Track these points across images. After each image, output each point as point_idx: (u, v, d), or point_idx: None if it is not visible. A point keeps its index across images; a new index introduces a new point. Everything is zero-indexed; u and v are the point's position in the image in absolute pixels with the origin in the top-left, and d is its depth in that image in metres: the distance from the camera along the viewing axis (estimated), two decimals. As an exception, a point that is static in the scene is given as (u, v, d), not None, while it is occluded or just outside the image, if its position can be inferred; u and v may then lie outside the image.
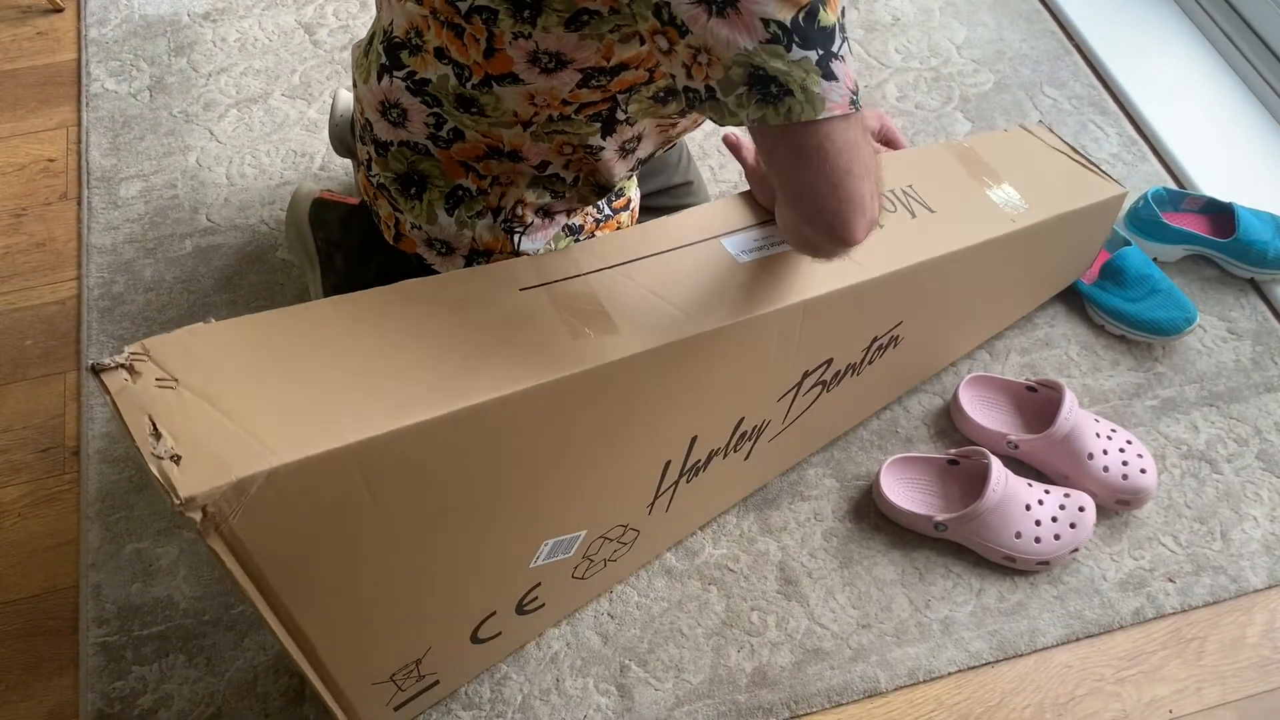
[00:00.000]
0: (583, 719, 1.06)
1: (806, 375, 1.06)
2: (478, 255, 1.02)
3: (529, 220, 1.02)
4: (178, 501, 0.65)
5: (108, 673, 1.08)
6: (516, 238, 1.02)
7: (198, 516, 0.66)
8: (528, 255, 0.91)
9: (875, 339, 1.11)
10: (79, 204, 1.46)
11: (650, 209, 0.95)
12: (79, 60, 1.62)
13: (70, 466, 1.22)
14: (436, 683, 1.02)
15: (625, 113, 0.92)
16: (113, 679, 1.08)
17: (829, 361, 1.07)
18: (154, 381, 0.71)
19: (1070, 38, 1.71)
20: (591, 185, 1.02)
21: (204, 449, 0.68)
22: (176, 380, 0.71)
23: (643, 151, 1.01)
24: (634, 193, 1.14)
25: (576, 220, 1.07)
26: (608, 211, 1.10)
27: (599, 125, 0.93)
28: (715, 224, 0.98)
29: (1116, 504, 1.19)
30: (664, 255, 0.93)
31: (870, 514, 1.20)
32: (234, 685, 1.07)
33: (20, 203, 1.47)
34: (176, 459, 0.66)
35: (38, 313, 1.36)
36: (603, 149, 0.96)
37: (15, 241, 1.43)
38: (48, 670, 1.09)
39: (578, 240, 1.07)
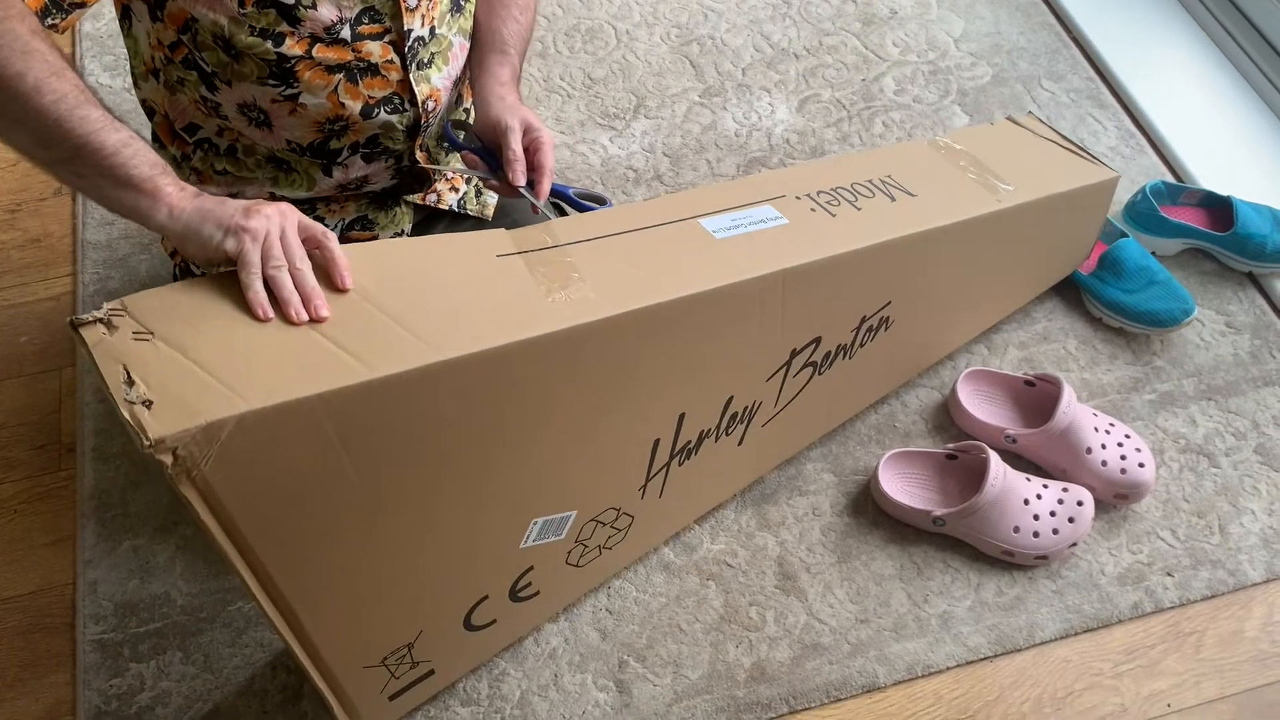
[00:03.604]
0: (581, 715, 1.06)
1: (795, 354, 1.06)
2: None
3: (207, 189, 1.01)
4: (147, 443, 0.66)
5: (105, 670, 1.08)
6: None
7: (168, 460, 0.67)
8: (501, 228, 0.91)
9: (864, 319, 1.10)
10: (74, 199, 1.45)
11: None
12: (74, 55, 1.61)
13: (66, 463, 1.22)
14: (432, 672, 1.01)
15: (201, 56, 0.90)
16: (110, 676, 1.07)
17: (817, 340, 1.07)
18: (130, 334, 0.72)
19: (1068, 31, 1.71)
20: (256, 160, 0.99)
21: (175, 395, 0.69)
22: (152, 333, 0.73)
23: (287, 128, 0.95)
24: (387, 235, 1.08)
25: None
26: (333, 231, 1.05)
27: (195, 73, 0.92)
28: (693, 206, 0.99)
29: (1115, 498, 1.19)
30: (642, 232, 0.94)
31: (868, 509, 1.20)
32: (231, 682, 1.07)
33: (15, 198, 1.46)
34: (148, 404, 0.68)
35: (33, 309, 1.35)
36: (220, 104, 0.94)
37: (10, 237, 1.42)
38: (45, 667, 1.09)
39: None
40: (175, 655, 1.08)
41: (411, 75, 0.95)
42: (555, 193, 1.02)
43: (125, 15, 0.96)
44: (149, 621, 1.10)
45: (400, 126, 0.98)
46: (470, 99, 1.16)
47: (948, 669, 1.10)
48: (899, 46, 1.67)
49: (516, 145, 0.96)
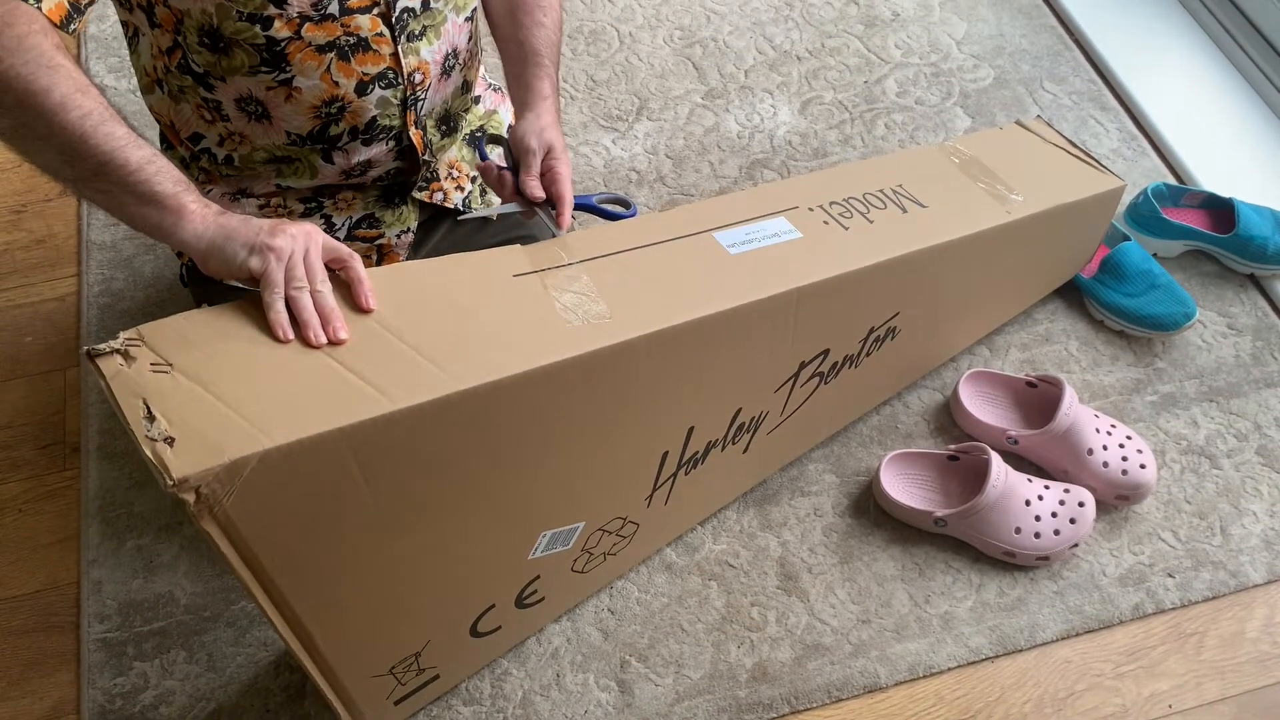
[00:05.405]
0: (583, 714, 1.07)
1: (803, 366, 1.06)
2: None
3: (211, 192, 1.02)
4: (170, 483, 0.65)
5: (109, 669, 1.08)
6: None
7: (191, 498, 0.67)
8: (518, 245, 0.91)
9: (872, 329, 1.11)
10: (79, 200, 1.45)
11: None
12: (79, 56, 1.62)
13: (70, 463, 1.22)
14: (436, 677, 1.02)
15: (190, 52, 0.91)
16: (114, 675, 1.08)
17: (825, 352, 1.07)
18: (148, 366, 0.72)
19: (1070, 33, 1.71)
20: (260, 160, 1.00)
21: (197, 431, 0.68)
22: (171, 365, 0.72)
23: (286, 117, 0.95)
24: (393, 233, 1.08)
25: None
26: (339, 233, 1.06)
27: (190, 77, 0.92)
28: (707, 218, 0.99)
29: (1116, 499, 1.19)
30: (656, 246, 0.94)
31: (870, 510, 1.20)
32: (235, 682, 1.07)
33: (20, 199, 1.47)
34: (170, 441, 0.67)
35: (38, 309, 1.36)
36: (220, 103, 0.94)
37: (15, 238, 1.43)
38: (49, 666, 1.09)
39: None
40: (179, 654, 1.09)
41: (400, 47, 0.95)
42: (578, 204, 1.01)
43: (134, 35, 0.96)
44: (153, 620, 1.11)
45: (395, 101, 0.98)
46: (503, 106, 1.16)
47: (949, 669, 1.10)
48: (901, 49, 1.68)
49: (534, 170, 0.96)
